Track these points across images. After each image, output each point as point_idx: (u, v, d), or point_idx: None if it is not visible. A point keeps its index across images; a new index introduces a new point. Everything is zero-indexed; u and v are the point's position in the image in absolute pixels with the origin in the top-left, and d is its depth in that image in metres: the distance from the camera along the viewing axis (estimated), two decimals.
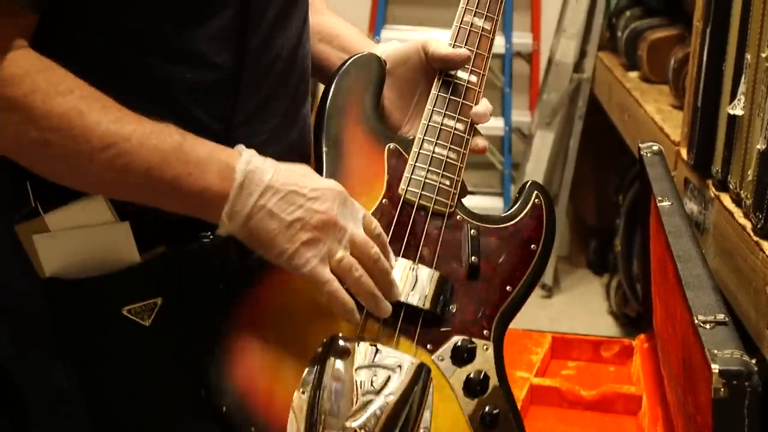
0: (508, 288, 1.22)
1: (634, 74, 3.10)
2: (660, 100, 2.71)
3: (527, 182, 1.28)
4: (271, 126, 1.20)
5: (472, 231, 1.21)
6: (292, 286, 1.13)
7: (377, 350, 1.12)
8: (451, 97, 1.24)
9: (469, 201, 4.26)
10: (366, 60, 1.27)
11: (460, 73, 1.26)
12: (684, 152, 2.05)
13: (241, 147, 1.12)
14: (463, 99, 1.25)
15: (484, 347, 1.18)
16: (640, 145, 1.87)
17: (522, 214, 1.25)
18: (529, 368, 1.84)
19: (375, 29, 4.03)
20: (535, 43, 4.10)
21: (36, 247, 1.10)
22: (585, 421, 1.76)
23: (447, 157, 1.21)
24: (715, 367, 0.96)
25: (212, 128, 1.14)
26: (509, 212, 1.25)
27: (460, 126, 1.23)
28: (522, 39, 4.05)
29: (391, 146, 1.23)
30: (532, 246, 1.23)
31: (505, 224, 1.24)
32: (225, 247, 1.16)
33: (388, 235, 1.17)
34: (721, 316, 1.06)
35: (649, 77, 2.96)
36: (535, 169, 3.87)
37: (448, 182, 1.21)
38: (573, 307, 3.80)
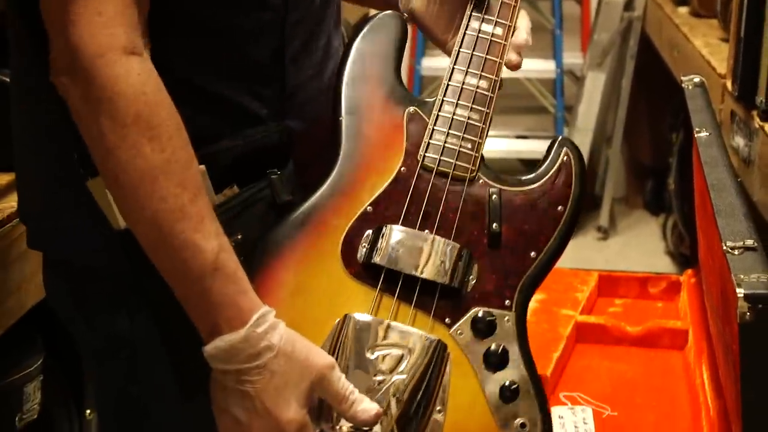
0: (532, 254, 1.16)
1: (683, 9, 3.06)
2: (709, 34, 2.67)
3: (557, 138, 1.22)
4: (313, 62, 1.22)
5: (494, 196, 1.16)
6: (307, 266, 1.13)
7: (390, 327, 1.11)
8: (475, 53, 1.18)
9: (523, 144, 4.26)
10: (386, 20, 1.23)
11: (485, 26, 1.19)
12: (729, 84, 2.03)
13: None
14: (488, 54, 1.19)
15: (506, 319, 1.14)
16: (682, 78, 1.85)
17: (549, 174, 1.18)
18: (575, 306, 1.84)
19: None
20: None
21: (110, 200, 1.12)
22: (631, 357, 1.76)
23: (468, 118, 1.17)
24: (740, 291, 0.95)
25: (268, 67, 1.16)
26: (536, 172, 1.18)
27: (483, 83, 1.18)
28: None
29: (410, 110, 1.19)
30: (559, 208, 1.17)
31: (530, 186, 1.18)
32: (291, 182, 1.19)
33: (404, 205, 1.14)
34: (750, 242, 1.05)
35: (698, 11, 2.91)
36: (588, 111, 3.84)
37: (469, 145, 1.16)
38: (629, 248, 3.78)
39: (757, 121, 1.82)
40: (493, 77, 1.18)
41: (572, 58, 4.06)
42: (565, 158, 1.19)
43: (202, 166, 1.11)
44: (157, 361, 1.20)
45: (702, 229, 1.64)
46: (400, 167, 1.16)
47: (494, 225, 1.15)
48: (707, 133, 1.47)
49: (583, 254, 3.69)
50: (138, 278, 1.16)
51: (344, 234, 1.13)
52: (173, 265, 1.05)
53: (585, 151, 3.82)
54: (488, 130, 1.17)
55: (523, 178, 1.18)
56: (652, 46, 3.45)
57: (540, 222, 1.16)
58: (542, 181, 1.17)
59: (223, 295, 1.04)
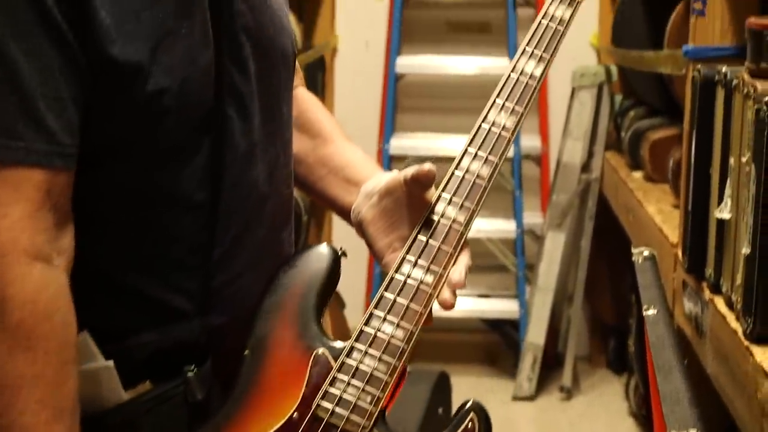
0: None
1: (638, 174, 3.12)
2: (662, 200, 2.72)
3: (467, 402, 1.17)
4: (247, 257, 1.22)
5: None
6: None
7: None
8: (399, 299, 1.15)
9: (485, 303, 4.26)
10: (318, 254, 1.22)
11: (416, 271, 1.16)
12: (681, 254, 2.06)
13: None
14: (412, 302, 1.15)
15: None
16: (632, 250, 1.88)
17: None
18: None
19: (384, 138, 4.08)
20: (544, 145, 4.14)
21: None
22: None
23: (375, 369, 1.13)
24: None
25: (192, 265, 1.17)
26: None
27: (399, 333, 1.14)
28: (530, 142, 4.09)
29: (318, 352, 1.16)
30: None
31: None
32: (208, 380, 1.18)
33: None
34: (693, 431, 1.05)
35: (652, 177, 2.97)
36: (549, 270, 3.87)
37: (368, 399, 1.12)
38: (594, 408, 3.76)
39: (707, 294, 1.84)
40: (411, 327, 1.15)
41: (532, 217, 4.12)
42: (469, 424, 1.15)
43: (110, 362, 1.11)
44: None
45: (654, 401, 1.64)
46: (293, 413, 1.13)
47: None
48: (655, 311, 1.49)
49: (547, 416, 3.67)
50: None
51: None
52: None
53: (547, 310, 3.84)
54: (395, 383, 1.13)
55: None
56: (610, 208, 3.51)
57: None
58: None
59: None
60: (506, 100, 1.22)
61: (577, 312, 3.92)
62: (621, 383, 3.85)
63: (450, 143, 4.10)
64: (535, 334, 3.82)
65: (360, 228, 1.29)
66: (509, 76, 1.24)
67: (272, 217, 1.26)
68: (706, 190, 1.86)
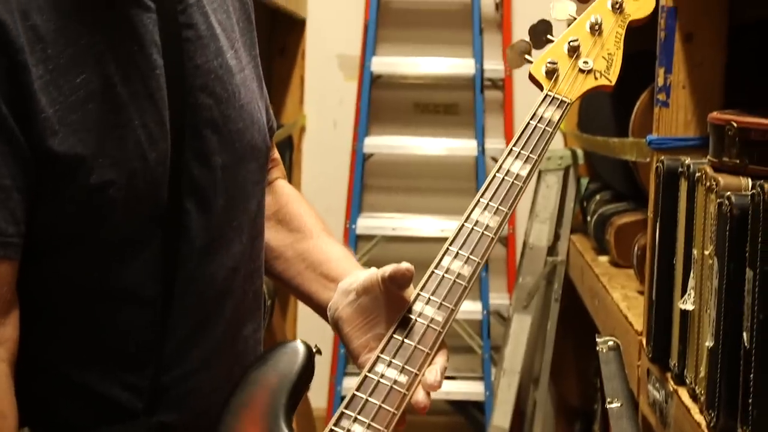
0: None
1: (603, 258, 3.13)
2: (627, 286, 2.72)
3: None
4: (202, 354, 1.20)
5: None
6: None
7: None
8: (370, 399, 1.13)
9: (451, 385, 4.25)
10: (291, 351, 1.20)
11: (390, 371, 1.14)
12: (645, 342, 2.05)
13: None
14: (384, 403, 1.12)
15: None
16: (597, 340, 1.87)
17: None
18: None
19: (351, 217, 4.08)
20: (510, 227, 4.15)
21: None
22: None
23: None
24: None
25: (140, 361, 1.15)
26: None
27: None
28: None
29: None
30: None
31: None
32: None
33: None
34: None
35: (617, 262, 2.98)
36: (515, 353, 3.86)
37: None
38: None
39: (671, 385, 1.83)
40: (382, 429, 1.12)
41: (498, 299, 4.12)
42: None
43: None
44: None
45: None
46: None
47: None
48: (618, 404, 1.48)
49: None
50: None
51: None
52: None
53: (513, 393, 3.82)
54: None
55: None
56: (576, 290, 3.51)
57: None
58: None
59: None
60: (490, 199, 1.22)
61: (543, 395, 3.90)
62: None
63: (417, 223, 4.11)
64: (501, 417, 3.80)
65: (336, 326, 1.28)
66: (495, 175, 1.24)
67: (233, 314, 1.24)
68: (670, 280, 1.86)
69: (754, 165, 1.59)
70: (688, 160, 1.78)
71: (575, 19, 1.41)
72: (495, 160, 4.21)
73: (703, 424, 1.61)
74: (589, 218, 3.36)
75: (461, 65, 4.13)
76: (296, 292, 1.39)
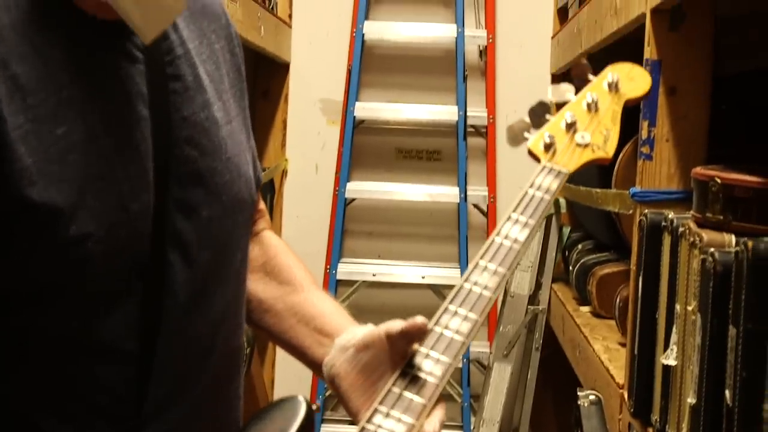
0: None
1: (585, 309, 3.12)
2: (608, 338, 2.71)
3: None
4: (184, 411, 1.18)
5: None
6: None
7: None
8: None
9: None
10: (291, 408, 1.22)
11: (388, 422, 1.13)
12: (626, 396, 2.04)
13: None
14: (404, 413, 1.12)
15: None
16: (578, 393, 1.85)
17: None
18: None
19: (331, 263, 4.06)
20: None
21: None
22: None
23: None
24: None
25: (119, 416, 1.12)
26: None
27: None
28: None
29: None
30: None
31: None
32: None
33: None
34: None
35: (598, 312, 2.97)
36: (495, 402, 3.84)
37: None
38: None
39: None
40: None
41: (479, 347, 4.10)
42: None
43: None
44: None
45: None
46: None
47: None
48: None
49: None
50: None
51: None
52: None
53: None
54: None
55: None
56: (557, 339, 3.50)
57: None
58: None
59: None
60: (489, 261, 1.24)
61: None
62: None
63: (398, 269, 4.09)
64: None
65: (333, 382, 1.26)
66: (494, 240, 1.26)
67: (216, 371, 1.22)
68: (653, 334, 1.85)
69: (737, 221, 1.58)
70: (671, 215, 1.77)
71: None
72: (477, 207, 4.21)
73: None
74: (571, 268, 3.34)
75: (444, 112, 4.13)
76: (287, 346, 1.37)
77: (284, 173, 4.25)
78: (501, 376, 3.83)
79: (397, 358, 1.20)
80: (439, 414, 1.17)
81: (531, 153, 1.38)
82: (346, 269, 4.08)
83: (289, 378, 4.09)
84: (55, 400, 1.11)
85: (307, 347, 1.33)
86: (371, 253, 4.22)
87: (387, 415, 1.14)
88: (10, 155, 1.04)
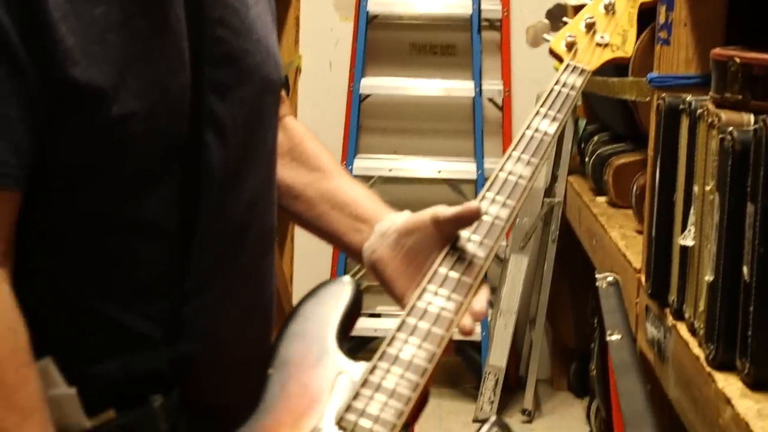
0: None
1: (601, 199, 3.14)
2: (625, 226, 2.73)
3: (490, 418, 1.19)
4: (224, 285, 1.21)
5: None
6: None
7: None
8: (420, 323, 1.17)
9: None
10: (339, 286, 1.27)
11: (438, 300, 1.19)
12: (644, 280, 2.07)
13: None
14: (434, 326, 1.17)
15: None
16: (596, 275, 1.89)
17: None
18: None
19: (347, 159, 4.08)
20: None
21: None
22: None
23: (397, 385, 1.14)
24: None
25: (160, 292, 1.16)
26: None
27: (421, 353, 1.15)
28: (495, 164, 4.09)
29: (342, 369, 1.18)
30: None
31: None
32: (175, 410, 1.17)
33: None
34: None
35: (615, 202, 2.99)
36: (512, 294, 3.89)
37: (392, 412, 1.12)
38: (555, 431, 3.77)
39: (670, 320, 1.85)
40: (434, 349, 1.16)
41: None
42: None
43: (73, 389, 1.10)
44: None
45: (617, 425, 1.65)
46: (317, 425, 1.14)
47: None
48: (619, 336, 1.50)
49: None
50: None
51: None
52: None
53: (509, 334, 3.85)
54: (417, 399, 1.14)
55: None
56: (573, 231, 3.53)
57: None
58: None
59: None
60: (522, 152, 1.31)
61: (539, 335, 3.94)
62: (582, 406, 3.86)
63: (414, 164, 4.11)
64: (497, 357, 3.83)
65: (375, 268, 1.29)
66: (524, 133, 1.33)
67: (252, 247, 1.25)
68: (670, 217, 1.87)
69: (756, 100, 1.59)
70: (689, 97, 1.78)
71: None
72: (492, 101, 4.21)
73: (702, 357, 1.62)
74: (587, 159, 3.36)
75: (458, 5, 4.11)
76: (320, 232, 1.39)
77: (298, 70, 4.25)
78: (518, 268, 3.88)
79: (441, 243, 1.24)
80: (485, 293, 1.22)
81: (553, 53, 1.44)
82: (361, 165, 4.10)
83: (307, 271, 4.15)
84: (101, 279, 1.14)
85: (343, 233, 1.35)
86: (387, 149, 4.23)
87: (436, 293, 1.19)
88: (53, 35, 1.06)
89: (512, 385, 3.99)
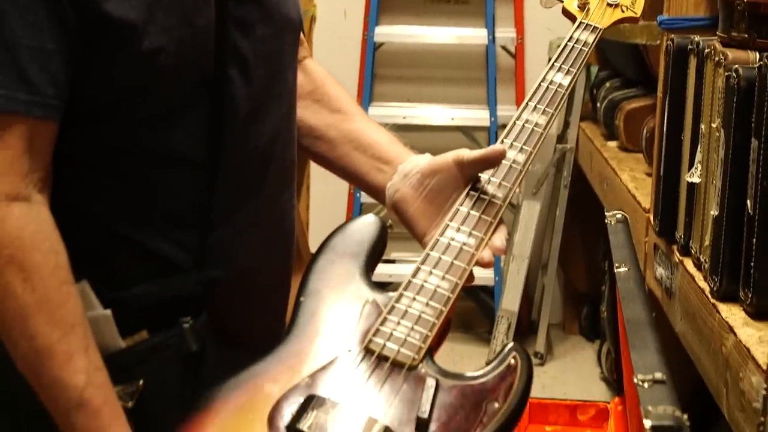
0: None
1: (612, 143, 3.18)
2: (635, 169, 2.78)
3: (508, 344, 1.25)
4: (248, 216, 1.26)
5: (430, 384, 1.16)
6: (231, 428, 1.14)
7: None
8: (444, 257, 1.23)
9: None
10: (367, 222, 1.32)
11: (459, 236, 1.24)
12: (652, 219, 2.12)
13: None
14: (456, 259, 1.22)
15: None
16: (606, 213, 1.93)
17: (493, 374, 1.19)
18: None
19: (362, 107, 4.12)
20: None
21: None
22: None
23: (422, 312, 1.19)
24: (648, 423, 1.01)
25: (191, 219, 1.21)
26: (481, 370, 1.20)
27: (444, 284, 1.20)
28: (507, 112, 4.14)
29: (370, 299, 1.23)
30: (495, 405, 1.16)
31: (469, 381, 1.18)
32: (204, 332, 1.23)
33: (341, 381, 1.15)
34: (659, 375, 1.11)
35: (626, 146, 3.03)
36: (524, 239, 3.93)
37: (417, 336, 1.17)
38: (566, 374, 3.83)
39: (677, 256, 1.90)
40: (456, 280, 1.22)
41: None
42: (512, 361, 1.22)
43: (108, 311, 1.16)
44: None
45: (625, 359, 1.71)
46: (348, 347, 1.19)
47: (423, 412, 1.14)
48: (626, 269, 1.55)
49: None
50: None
51: (276, 401, 1.14)
52: (45, 399, 1.11)
53: (522, 278, 3.90)
54: (441, 326, 1.19)
55: (467, 374, 1.19)
56: (585, 177, 3.57)
57: (472, 417, 1.16)
58: (484, 379, 1.19)
59: (86, 429, 1.10)
60: (537, 102, 1.35)
61: (551, 280, 3.99)
62: (593, 349, 3.92)
63: (428, 112, 4.15)
64: (510, 301, 3.89)
65: (397, 207, 1.33)
66: (540, 84, 1.37)
67: (274, 180, 1.30)
68: (678, 156, 1.92)
69: (762, 39, 1.63)
70: (697, 38, 1.82)
71: None
72: (505, 48, 4.23)
73: (707, 289, 1.68)
74: (598, 104, 3.39)
75: None
76: (342, 172, 1.43)
77: (313, 19, 4.27)
78: (530, 214, 3.92)
79: (462, 185, 1.29)
80: (503, 231, 1.29)
81: (566, 12, 1.49)
82: (376, 113, 4.13)
83: (323, 219, 4.20)
84: (132, 206, 1.20)
85: (366, 173, 1.39)
86: (401, 97, 4.26)
87: (458, 230, 1.25)
88: None
89: (524, 329, 4.04)
